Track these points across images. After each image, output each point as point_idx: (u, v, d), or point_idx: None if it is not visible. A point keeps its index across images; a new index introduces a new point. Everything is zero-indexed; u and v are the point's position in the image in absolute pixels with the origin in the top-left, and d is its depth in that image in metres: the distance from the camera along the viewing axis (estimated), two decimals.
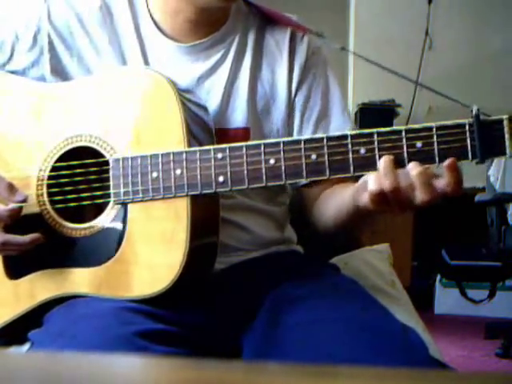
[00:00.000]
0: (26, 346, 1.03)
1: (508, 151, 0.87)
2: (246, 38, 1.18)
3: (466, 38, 4.05)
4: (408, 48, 4.02)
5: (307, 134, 1.16)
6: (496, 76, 3.98)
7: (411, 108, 3.95)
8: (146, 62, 1.14)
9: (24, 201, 1.02)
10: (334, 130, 1.16)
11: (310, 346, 0.91)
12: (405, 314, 1.15)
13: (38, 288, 1.04)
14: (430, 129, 0.89)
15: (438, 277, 3.86)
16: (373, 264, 1.40)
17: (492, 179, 3.25)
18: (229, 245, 1.11)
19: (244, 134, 1.13)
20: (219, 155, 0.96)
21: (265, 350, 0.95)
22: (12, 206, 1.02)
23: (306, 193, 1.20)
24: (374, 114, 3.76)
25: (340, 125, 1.18)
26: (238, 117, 1.14)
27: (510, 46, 4.00)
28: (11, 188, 1.03)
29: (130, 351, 0.84)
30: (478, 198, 3.06)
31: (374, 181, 0.89)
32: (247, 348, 0.99)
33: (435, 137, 0.89)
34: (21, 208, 1.02)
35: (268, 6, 1.22)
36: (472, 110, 0.88)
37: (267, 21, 1.20)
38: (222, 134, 1.08)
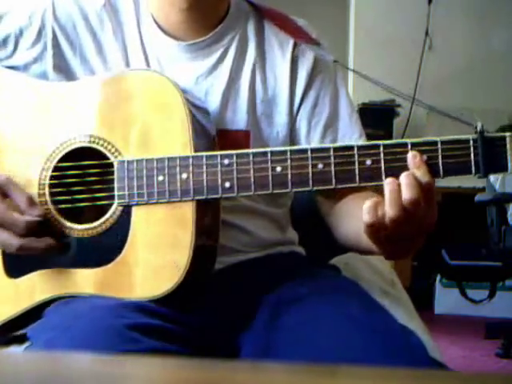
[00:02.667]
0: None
1: (510, 167, 0.90)
2: (247, 37, 1.17)
3: (466, 38, 4.04)
4: (408, 48, 4.02)
5: (315, 140, 1.16)
6: (496, 76, 3.98)
7: (411, 108, 3.95)
8: (147, 60, 1.14)
9: (41, 216, 1.02)
10: (342, 137, 1.16)
11: (309, 346, 0.91)
12: (405, 314, 1.15)
13: (38, 288, 1.04)
14: (434, 143, 0.92)
15: (438, 277, 3.86)
16: (373, 264, 1.40)
17: (492, 179, 3.25)
18: (229, 247, 1.10)
19: (244, 136, 1.13)
20: (226, 161, 0.96)
21: (264, 350, 0.95)
22: (29, 217, 1.01)
23: (320, 201, 1.19)
24: (374, 114, 3.75)
25: (348, 132, 1.17)
26: (238, 119, 1.13)
27: (510, 46, 4.00)
28: (31, 201, 1.03)
29: (121, 343, 0.84)
30: (477, 197, 3.06)
31: (368, 211, 0.89)
32: (246, 348, 0.99)
33: (440, 151, 0.91)
34: (38, 222, 1.02)
35: (269, 4, 1.21)
36: (476, 127, 0.91)
37: (270, 21, 1.19)
38: (222, 135, 1.07)
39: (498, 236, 3.04)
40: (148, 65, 1.13)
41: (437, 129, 3.64)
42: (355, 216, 1.04)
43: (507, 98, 3.84)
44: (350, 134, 1.17)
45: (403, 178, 0.89)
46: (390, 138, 3.71)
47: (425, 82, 3.95)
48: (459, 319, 3.69)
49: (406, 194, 0.87)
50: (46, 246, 1.01)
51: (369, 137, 1.20)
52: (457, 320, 3.68)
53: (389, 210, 0.88)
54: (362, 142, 1.17)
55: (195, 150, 0.99)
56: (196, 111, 1.03)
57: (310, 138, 1.16)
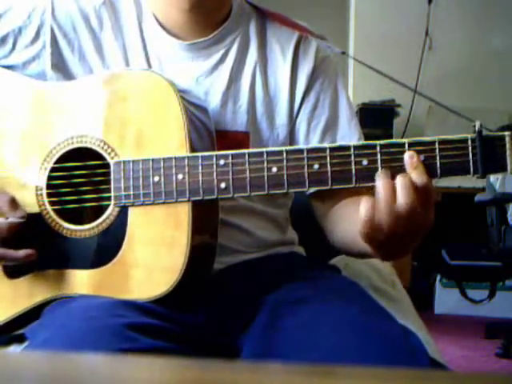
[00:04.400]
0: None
1: (509, 168, 0.88)
2: (249, 38, 1.17)
3: (466, 38, 4.05)
4: (408, 48, 4.02)
5: (314, 143, 1.16)
6: (496, 76, 3.99)
7: (411, 108, 3.95)
8: (147, 59, 1.13)
9: (23, 217, 1.03)
10: (341, 140, 1.16)
11: (309, 348, 0.91)
12: (405, 314, 1.15)
13: (36, 289, 1.04)
14: (432, 142, 0.90)
15: (438, 277, 3.86)
16: (373, 264, 1.40)
17: (492, 179, 3.25)
18: (229, 247, 1.10)
19: (243, 138, 1.13)
20: (221, 161, 0.96)
21: (263, 352, 0.95)
22: (11, 220, 1.02)
23: (315, 204, 1.19)
24: (374, 114, 3.75)
25: (347, 135, 1.17)
26: (238, 120, 1.13)
27: (510, 45, 4.00)
28: (13, 203, 1.03)
29: (117, 342, 0.84)
30: (477, 197, 3.06)
31: (366, 208, 0.87)
32: (246, 349, 0.99)
33: (437, 150, 0.90)
34: (20, 223, 1.02)
35: (268, 5, 1.22)
36: (475, 125, 0.89)
37: (271, 23, 1.19)
38: (221, 136, 1.07)
39: (498, 236, 3.04)
40: (148, 63, 1.13)
41: (437, 129, 3.63)
42: (351, 219, 1.04)
43: (507, 98, 3.84)
44: (349, 137, 1.17)
45: (399, 180, 0.87)
46: (390, 138, 3.71)
47: (425, 82, 3.95)
48: (459, 319, 3.69)
49: (402, 198, 0.86)
50: (24, 256, 1.02)
51: (368, 137, 1.20)
52: (457, 320, 3.68)
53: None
54: None
55: (196, 148, 0.99)
56: (195, 109, 1.03)
57: (309, 140, 1.16)
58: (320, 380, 0.44)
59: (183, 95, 1.01)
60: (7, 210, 1.03)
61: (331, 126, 1.17)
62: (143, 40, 1.14)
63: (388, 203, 0.87)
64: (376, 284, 1.30)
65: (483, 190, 3.33)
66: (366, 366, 0.47)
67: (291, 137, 1.17)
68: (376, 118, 3.74)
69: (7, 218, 1.03)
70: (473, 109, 3.53)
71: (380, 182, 0.88)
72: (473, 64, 4.01)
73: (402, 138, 3.87)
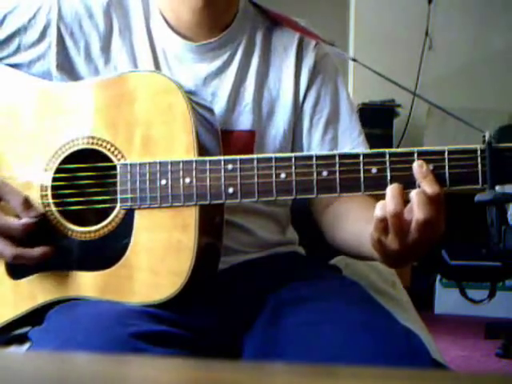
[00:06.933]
0: (26, 346, 1.03)
1: None
2: (254, 40, 1.18)
3: (466, 38, 4.04)
4: (408, 48, 4.01)
5: (316, 138, 1.17)
6: (496, 76, 3.98)
7: (411, 108, 3.95)
8: (155, 58, 1.13)
9: (37, 217, 1.02)
10: (343, 134, 1.17)
11: (310, 348, 0.91)
12: (405, 314, 1.16)
13: (39, 290, 1.04)
14: (442, 152, 0.90)
15: (438, 277, 3.85)
16: (373, 264, 1.40)
17: None
18: (230, 247, 1.10)
19: (249, 137, 1.13)
20: (229, 166, 0.95)
21: (265, 351, 0.95)
22: (26, 220, 1.01)
23: (311, 199, 1.19)
24: (374, 114, 3.75)
25: (348, 128, 1.18)
26: (244, 120, 1.14)
27: (510, 46, 3.99)
28: (27, 203, 1.02)
29: (126, 352, 0.84)
30: (477, 197, 3.05)
31: (380, 207, 0.88)
32: (248, 349, 0.99)
33: (447, 160, 0.90)
34: (35, 223, 1.02)
35: (270, 5, 1.22)
36: (484, 136, 0.89)
37: (275, 24, 1.20)
38: (227, 136, 1.07)
39: (498, 236, 3.03)
40: (156, 63, 1.13)
41: (437, 129, 3.63)
42: (354, 219, 1.04)
43: (507, 98, 3.83)
44: (350, 131, 1.18)
45: (414, 196, 0.87)
46: (390, 138, 3.71)
47: (425, 82, 3.95)
48: (459, 319, 3.68)
49: (419, 214, 0.86)
50: (40, 254, 1.01)
51: (369, 137, 1.21)
52: (457, 320, 3.68)
53: (390, 205, 0.87)
54: (362, 139, 1.18)
55: (203, 148, 0.98)
56: (202, 110, 1.03)
57: (312, 135, 1.17)
58: (321, 380, 0.44)
59: (190, 96, 1.01)
60: (21, 210, 1.02)
61: (333, 120, 1.18)
62: (151, 39, 1.14)
63: (401, 224, 0.87)
64: (376, 284, 1.30)
65: (483, 190, 3.32)
66: (367, 366, 0.47)
67: (294, 132, 1.18)
68: (376, 118, 3.74)
69: (20, 219, 1.02)
70: (472, 109, 3.53)
71: (391, 200, 0.87)
72: (473, 64, 4.01)
73: (402, 138, 3.87)
